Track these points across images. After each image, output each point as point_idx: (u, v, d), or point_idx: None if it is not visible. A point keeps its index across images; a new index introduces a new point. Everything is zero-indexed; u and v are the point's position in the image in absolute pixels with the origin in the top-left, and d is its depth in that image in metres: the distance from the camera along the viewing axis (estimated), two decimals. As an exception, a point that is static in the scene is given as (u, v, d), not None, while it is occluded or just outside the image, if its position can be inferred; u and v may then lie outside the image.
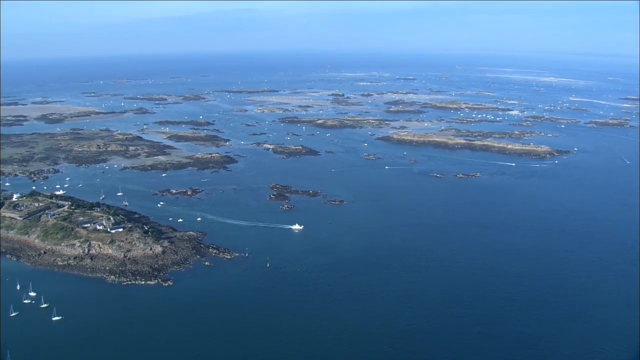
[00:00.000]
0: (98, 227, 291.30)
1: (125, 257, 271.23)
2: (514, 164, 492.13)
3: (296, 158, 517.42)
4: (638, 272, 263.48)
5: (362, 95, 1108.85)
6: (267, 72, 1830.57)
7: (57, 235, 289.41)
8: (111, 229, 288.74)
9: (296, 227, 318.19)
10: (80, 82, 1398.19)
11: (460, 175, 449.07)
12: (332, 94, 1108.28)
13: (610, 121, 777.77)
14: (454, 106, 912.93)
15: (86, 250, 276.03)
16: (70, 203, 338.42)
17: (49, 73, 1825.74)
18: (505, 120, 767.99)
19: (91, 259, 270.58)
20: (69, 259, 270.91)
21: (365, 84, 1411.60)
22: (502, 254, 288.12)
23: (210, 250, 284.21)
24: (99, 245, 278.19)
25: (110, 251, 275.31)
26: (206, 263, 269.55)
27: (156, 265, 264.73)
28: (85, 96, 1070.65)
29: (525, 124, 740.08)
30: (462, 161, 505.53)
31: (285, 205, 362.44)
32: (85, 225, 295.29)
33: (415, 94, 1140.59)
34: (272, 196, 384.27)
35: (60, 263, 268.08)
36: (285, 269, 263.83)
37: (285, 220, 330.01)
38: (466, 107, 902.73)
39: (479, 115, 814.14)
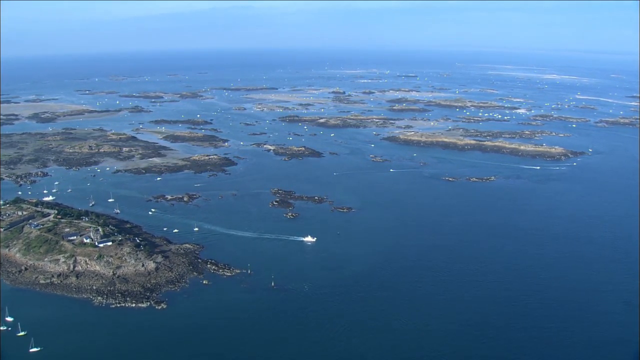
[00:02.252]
0: (85, 240, 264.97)
1: (114, 274, 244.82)
2: (538, 167, 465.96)
3: (299, 160, 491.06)
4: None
5: (364, 93, 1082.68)
6: (266, 69, 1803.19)
7: (40, 249, 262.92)
8: (99, 243, 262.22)
9: (308, 239, 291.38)
10: (75, 80, 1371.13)
11: (474, 179, 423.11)
12: (333, 92, 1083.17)
13: (621, 120, 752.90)
14: (459, 104, 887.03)
15: (71, 266, 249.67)
16: (56, 212, 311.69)
17: (44, 70, 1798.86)
18: (514, 120, 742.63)
19: (77, 276, 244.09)
20: (52, 276, 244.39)
21: (365, 81, 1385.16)
22: (529, 268, 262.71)
23: (209, 266, 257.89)
24: (86, 261, 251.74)
25: (97, 268, 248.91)
26: (204, 281, 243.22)
27: (148, 285, 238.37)
28: (79, 94, 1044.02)
29: (534, 123, 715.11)
30: (474, 163, 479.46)
31: (290, 213, 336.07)
32: (71, 238, 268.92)
33: (418, 91, 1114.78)
34: (274, 203, 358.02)
35: (42, 281, 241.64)
36: (291, 288, 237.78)
37: (291, 230, 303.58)
38: (472, 106, 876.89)
39: (486, 114, 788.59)
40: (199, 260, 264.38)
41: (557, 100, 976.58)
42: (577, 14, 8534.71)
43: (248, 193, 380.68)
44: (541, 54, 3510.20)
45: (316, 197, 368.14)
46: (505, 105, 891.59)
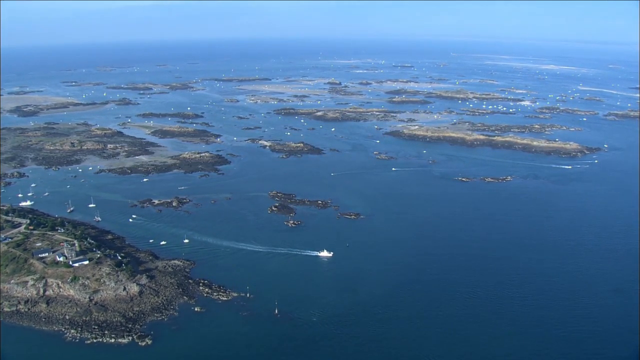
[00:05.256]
0: (58, 259, 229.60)
1: (91, 300, 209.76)
2: (569, 167, 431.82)
3: (297, 158, 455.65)
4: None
5: (361, 83, 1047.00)
6: (258, 60, 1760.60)
7: (6, 269, 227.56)
8: (74, 262, 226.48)
9: (324, 254, 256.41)
10: (61, 71, 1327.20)
11: (489, 179, 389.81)
12: (329, 83, 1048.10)
13: (631, 113, 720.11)
14: (461, 96, 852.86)
15: (41, 290, 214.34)
16: (28, 221, 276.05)
17: (30, 61, 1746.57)
18: (519, 112, 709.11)
19: (47, 303, 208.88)
20: (19, 303, 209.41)
21: (361, 71, 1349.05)
22: (566, 286, 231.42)
23: (201, 288, 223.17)
24: (58, 284, 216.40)
25: (71, 292, 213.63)
26: (196, 308, 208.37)
27: (131, 313, 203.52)
28: (65, 86, 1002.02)
29: (542, 116, 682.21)
30: (487, 161, 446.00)
31: (291, 221, 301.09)
32: (42, 255, 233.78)
33: (417, 82, 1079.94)
34: (274, 208, 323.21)
35: (7, 309, 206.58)
36: (298, 316, 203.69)
37: (297, 243, 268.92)
38: (474, 97, 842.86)
39: (490, 106, 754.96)
40: (190, 280, 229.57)
41: (560, 92, 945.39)
42: (569, 5, 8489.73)
43: (244, 196, 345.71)
44: (534, 43, 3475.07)
45: (319, 202, 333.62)
46: (509, 97, 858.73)
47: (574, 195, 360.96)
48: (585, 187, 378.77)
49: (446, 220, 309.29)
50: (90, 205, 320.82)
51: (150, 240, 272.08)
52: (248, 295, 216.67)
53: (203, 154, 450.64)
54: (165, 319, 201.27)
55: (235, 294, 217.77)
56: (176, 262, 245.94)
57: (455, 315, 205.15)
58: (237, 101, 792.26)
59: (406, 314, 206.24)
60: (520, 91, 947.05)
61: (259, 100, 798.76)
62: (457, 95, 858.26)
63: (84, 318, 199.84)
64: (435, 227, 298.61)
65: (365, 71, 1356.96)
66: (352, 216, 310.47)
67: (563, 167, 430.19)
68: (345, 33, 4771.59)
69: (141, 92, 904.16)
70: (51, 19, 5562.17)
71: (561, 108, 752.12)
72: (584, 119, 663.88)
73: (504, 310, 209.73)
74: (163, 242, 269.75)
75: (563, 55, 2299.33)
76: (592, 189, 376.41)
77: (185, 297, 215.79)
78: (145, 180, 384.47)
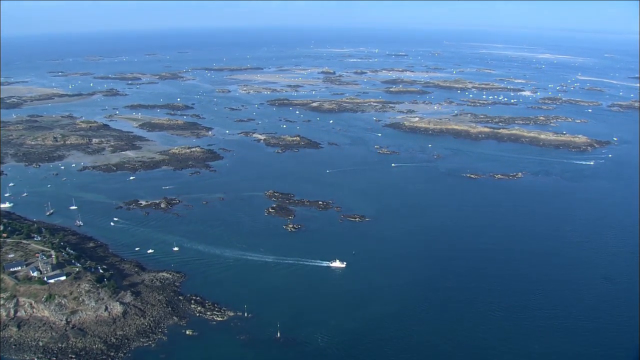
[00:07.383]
0: (32, 273, 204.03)
1: (68, 323, 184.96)
2: (592, 163, 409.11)
3: (294, 152, 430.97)
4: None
5: (355, 73, 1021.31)
6: (249, 48, 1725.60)
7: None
8: (49, 277, 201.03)
9: (337, 264, 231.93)
10: (48, 60, 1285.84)
11: (499, 175, 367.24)
12: (322, 72, 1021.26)
13: (635, 104, 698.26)
14: (460, 86, 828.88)
15: (12, 312, 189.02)
16: (2, 227, 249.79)
17: (17, 51, 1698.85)
18: (521, 103, 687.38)
19: (18, 326, 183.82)
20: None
21: (355, 60, 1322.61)
22: (595, 297, 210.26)
23: (193, 306, 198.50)
24: (31, 304, 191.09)
25: (46, 313, 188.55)
26: (187, 331, 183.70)
27: (113, 338, 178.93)
28: (51, 76, 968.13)
29: (545, 107, 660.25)
30: (494, 156, 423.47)
31: (291, 225, 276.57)
32: (15, 269, 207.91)
33: (412, 71, 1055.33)
34: (271, 210, 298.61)
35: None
36: (302, 339, 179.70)
37: (300, 251, 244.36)
38: (473, 87, 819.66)
39: (490, 97, 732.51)
40: (180, 297, 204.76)
41: (559, 82, 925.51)
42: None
43: (238, 196, 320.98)
44: (527, 32, 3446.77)
45: (320, 202, 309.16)
46: (508, 87, 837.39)
47: (592, 194, 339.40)
48: (603, 185, 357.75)
49: (459, 222, 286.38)
50: (72, 207, 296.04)
51: (137, 249, 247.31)
52: (246, 314, 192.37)
53: (194, 149, 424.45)
54: (153, 345, 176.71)
55: (231, 314, 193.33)
56: (165, 274, 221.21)
57: (480, 332, 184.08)
58: (229, 91, 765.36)
59: (425, 331, 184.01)
60: (519, 81, 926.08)
61: (251, 91, 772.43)
62: (456, 85, 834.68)
63: (60, 345, 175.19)
64: (448, 230, 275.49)
65: (359, 60, 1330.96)
66: (357, 219, 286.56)
67: (579, 162, 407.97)
68: (337, 21, 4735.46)
69: (129, 82, 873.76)
70: (37, 9, 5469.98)
71: (563, 98, 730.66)
72: (589, 110, 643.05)
73: (532, 326, 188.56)
74: (150, 251, 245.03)
75: (557, 43, 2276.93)
76: (611, 186, 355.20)
77: (175, 318, 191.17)
78: (131, 178, 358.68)
